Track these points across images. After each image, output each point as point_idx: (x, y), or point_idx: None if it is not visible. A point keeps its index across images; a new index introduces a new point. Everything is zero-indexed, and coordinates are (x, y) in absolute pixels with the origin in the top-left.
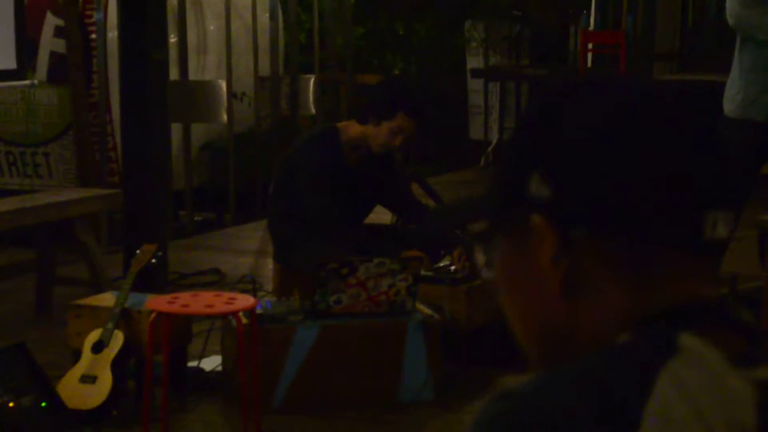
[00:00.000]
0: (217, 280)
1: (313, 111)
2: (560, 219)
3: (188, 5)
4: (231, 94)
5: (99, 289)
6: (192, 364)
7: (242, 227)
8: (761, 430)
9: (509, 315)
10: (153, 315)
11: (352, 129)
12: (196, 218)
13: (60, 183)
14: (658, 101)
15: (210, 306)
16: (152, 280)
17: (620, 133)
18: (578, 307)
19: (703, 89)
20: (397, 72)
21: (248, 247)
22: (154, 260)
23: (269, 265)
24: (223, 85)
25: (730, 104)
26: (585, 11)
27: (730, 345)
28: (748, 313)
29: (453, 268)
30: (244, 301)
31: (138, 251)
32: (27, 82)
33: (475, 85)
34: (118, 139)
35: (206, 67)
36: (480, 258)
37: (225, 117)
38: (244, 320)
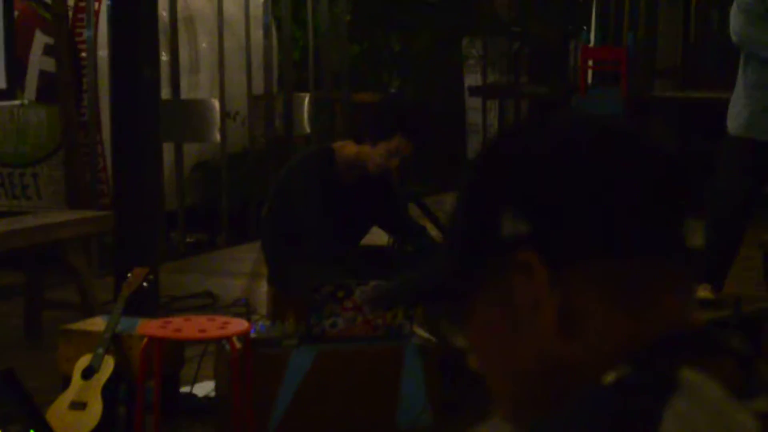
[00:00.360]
0: (209, 304)
1: (308, 130)
2: (547, 250)
3: (180, 23)
4: (224, 113)
5: (89, 314)
6: (184, 389)
7: (235, 249)
8: None
9: (492, 377)
10: (145, 340)
11: (347, 149)
12: (188, 239)
13: (49, 204)
14: (614, 124)
15: (203, 330)
16: (143, 303)
17: (589, 151)
18: (578, 343)
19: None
20: (393, 90)
21: (241, 270)
22: (145, 284)
23: (263, 287)
24: (216, 103)
25: (733, 122)
26: (585, 27)
27: (726, 375)
28: (739, 339)
29: None
30: (238, 325)
31: (129, 275)
32: (16, 102)
33: (473, 102)
34: (109, 160)
35: (199, 85)
36: (448, 329)
37: (218, 136)
38: (238, 345)
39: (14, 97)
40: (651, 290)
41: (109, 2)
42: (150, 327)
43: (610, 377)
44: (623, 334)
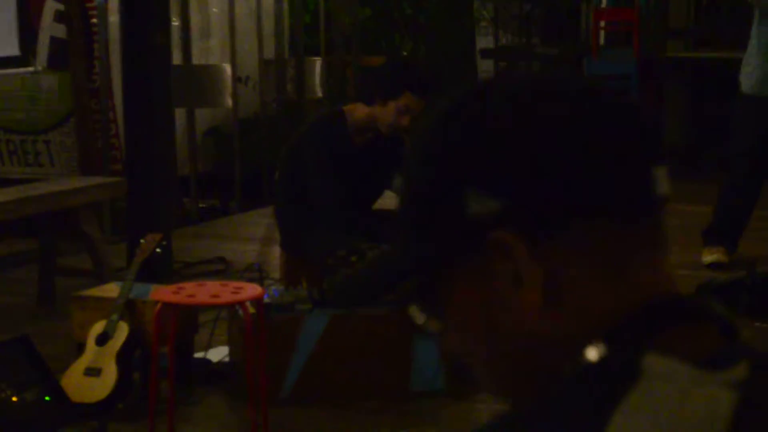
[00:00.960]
0: (222, 269)
1: (320, 94)
2: (522, 225)
3: None
4: (236, 78)
5: (102, 280)
6: (199, 355)
7: (248, 214)
8: None
9: (475, 358)
10: (158, 306)
11: (358, 111)
12: (200, 205)
13: (61, 171)
14: (569, 82)
15: (216, 296)
16: (156, 269)
17: (546, 115)
18: (562, 317)
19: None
20: (405, 53)
21: (254, 235)
22: (158, 250)
23: (276, 253)
24: (228, 68)
25: (746, 81)
26: None
27: (703, 344)
28: (722, 305)
29: None
30: (251, 290)
31: (142, 240)
32: (30, 68)
33: (485, 65)
34: (121, 126)
35: (210, 51)
36: (419, 316)
37: (230, 101)
38: (251, 310)
39: (28, 64)
40: (630, 250)
41: None
42: (163, 293)
43: (585, 356)
44: (604, 305)
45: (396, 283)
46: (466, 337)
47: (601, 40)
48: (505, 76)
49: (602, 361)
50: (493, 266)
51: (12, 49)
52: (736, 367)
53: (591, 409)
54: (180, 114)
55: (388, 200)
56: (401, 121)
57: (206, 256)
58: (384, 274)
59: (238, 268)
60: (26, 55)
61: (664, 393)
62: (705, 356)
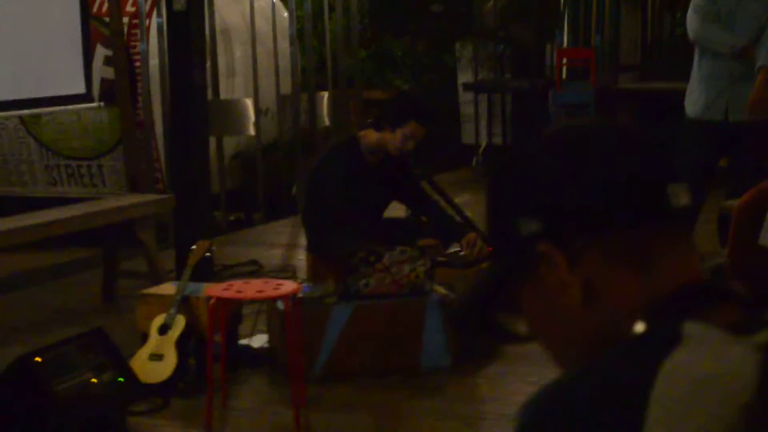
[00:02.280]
0: (256, 270)
1: (328, 123)
2: (559, 239)
3: (218, 35)
4: (258, 111)
5: (157, 281)
6: (243, 342)
7: (270, 224)
8: (763, 390)
9: (550, 349)
10: (212, 300)
11: (370, 136)
12: (229, 218)
13: (112, 191)
14: (589, 125)
15: (261, 291)
16: (202, 271)
17: (571, 146)
18: (600, 307)
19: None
20: (398, 87)
21: (277, 241)
22: (208, 254)
23: (299, 255)
24: (250, 102)
25: (692, 107)
26: (559, 32)
27: (730, 318)
28: (742, 287)
29: (463, 253)
30: (290, 286)
31: (193, 246)
32: (95, 104)
33: (465, 97)
34: (162, 153)
35: (235, 87)
36: (508, 320)
37: (253, 130)
38: (289, 303)
39: (92, 101)
40: (655, 251)
41: (158, 20)
42: (216, 289)
43: (632, 330)
44: (638, 294)
45: (492, 298)
46: (541, 330)
47: (564, 75)
48: (542, 131)
49: (648, 330)
50: (543, 274)
51: (79, 87)
52: (759, 333)
53: (640, 363)
54: (210, 141)
55: (393, 211)
56: (407, 145)
57: (240, 260)
58: (482, 289)
59: (270, 269)
60: (90, 93)
61: (701, 351)
62: (733, 325)
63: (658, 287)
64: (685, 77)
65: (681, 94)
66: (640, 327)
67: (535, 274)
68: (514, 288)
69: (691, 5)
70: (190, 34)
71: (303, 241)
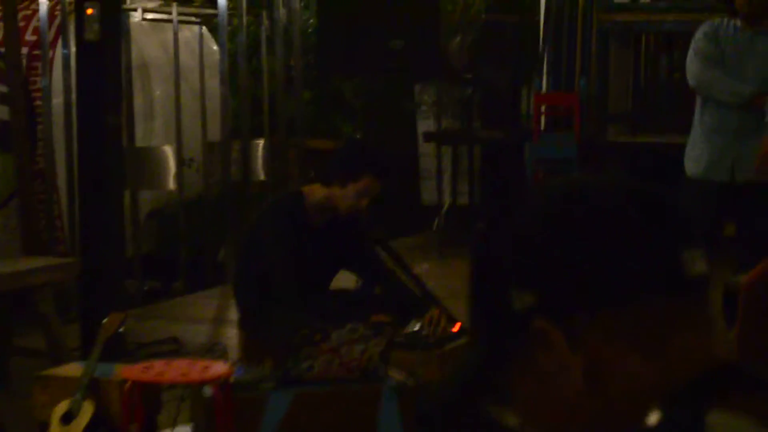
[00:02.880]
0: (177, 349)
1: (263, 176)
2: (557, 315)
3: (134, 71)
4: (180, 160)
5: (58, 360)
6: None
7: (194, 295)
8: None
9: None
10: (128, 384)
11: (316, 192)
12: (143, 287)
13: (4, 253)
14: (584, 182)
15: (185, 374)
16: (112, 349)
17: (569, 207)
18: (605, 394)
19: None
20: (347, 134)
21: (203, 315)
22: (121, 329)
23: (227, 332)
24: (171, 150)
25: (693, 165)
26: (537, 74)
27: (760, 405)
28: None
29: (424, 333)
30: (220, 368)
31: (105, 320)
32: None
33: (426, 148)
34: (65, 207)
35: (154, 132)
36: (495, 411)
37: (173, 183)
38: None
39: None
40: (669, 327)
41: (64, 51)
42: (132, 371)
43: (643, 424)
44: (651, 377)
45: (475, 381)
46: (537, 421)
47: (542, 125)
48: (534, 190)
49: (665, 420)
50: (540, 355)
51: None
52: None
53: None
54: (124, 196)
55: (339, 282)
56: (360, 203)
57: (157, 337)
58: (463, 375)
59: (190, 349)
60: None
61: None
62: (765, 415)
63: (674, 370)
64: (685, 130)
65: (680, 150)
66: (654, 417)
67: (528, 355)
68: (502, 373)
69: (692, 46)
70: (103, 68)
71: (233, 315)
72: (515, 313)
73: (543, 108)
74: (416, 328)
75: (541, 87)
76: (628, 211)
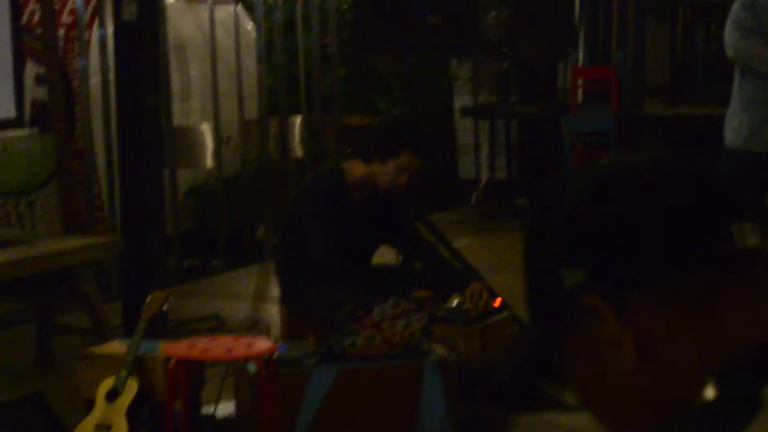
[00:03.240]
0: (218, 326)
1: (300, 153)
2: (607, 290)
3: (170, 51)
4: (218, 139)
5: (101, 338)
6: (205, 411)
7: (233, 272)
8: None
9: (603, 420)
10: (173, 361)
11: (356, 168)
12: (182, 265)
13: (45, 232)
14: (631, 159)
15: (230, 350)
16: (155, 327)
17: (620, 184)
18: (659, 371)
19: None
20: (383, 111)
21: (243, 292)
22: (165, 307)
23: (269, 309)
24: (209, 129)
25: (732, 136)
26: (573, 47)
27: None
28: None
29: (465, 307)
30: (263, 345)
31: (149, 298)
32: (27, 130)
33: (463, 123)
34: (104, 187)
35: (190, 112)
36: (553, 389)
37: (210, 162)
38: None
39: (24, 125)
40: (722, 302)
41: (101, 32)
42: (177, 348)
43: (698, 400)
44: (704, 353)
45: (532, 361)
46: (592, 398)
47: (580, 98)
48: (586, 166)
49: (720, 396)
50: (592, 331)
51: (8, 111)
52: None
53: None
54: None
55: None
56: (400, 180)
57: (198, 314)
58: (520, 355)
59: (233, 325)
60: (22, 117)
61: None
62: None
63: (728, 345)
64: (723, 101)
65: (718, 122)
66: (710, 392)
67: (581, 332)
68: (557, 351)
69: (730, 17)
70: (141, 49)
71: (274, 292)
72: (566, 290)
73: (580, 81)
74: (458, 302)
75: (577, 60)
76: (677, 186)
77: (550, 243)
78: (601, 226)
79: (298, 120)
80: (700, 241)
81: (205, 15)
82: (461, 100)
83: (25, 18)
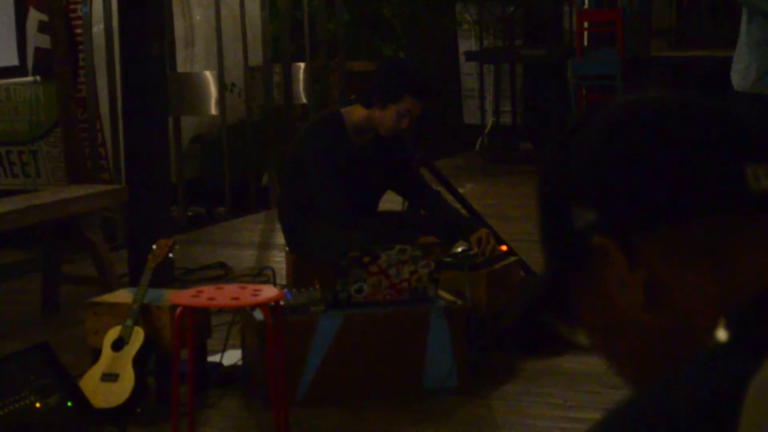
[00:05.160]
0: (224, 274)
1: (305, 100)
2: (617, 231)
3: None
4: (222, 86)
5: (107, 287)
6: (211, 358)
7: (239, 220)
8: None
9: (614, 363)
10: (179, 310)
11: (356, 113)
12: (187, 213)
13: (48, 181)
14: (643, 98)
15: (236, 298)
16: (161, 275)
17: (632, 123)
18: (668, 312)
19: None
20: (388, 56)
21: (248, 240)
22: (171, 254)
23: (275, 256)
24: (213, 76)
25: (739, 78)
26: None
27: None
28: None
29: (472, 252)
30: (270, 292)
31: (154, 246)
32: (29, 78)
33: (468, 68)
34: (108, 135)
35: (194, 59)
36: (564, 330)
37: (215, 109)
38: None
39: (26, 74)
40: (734, 246)
41: None
42: (183, 297)
43: (709, 342)
44: (715, 297)
45: (545, 301)
46: (602, 340)
47: (585, 41)
48: (602, 106)
49: (731, 339)
50: (601, 272)
51: (11, 59)
52: None
53: (725, 379)
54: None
55: (387, 203)
56: (401, 125)
57: (204, 262)
58: (532, 295)
59: (238, 273)
60: (24, 65)
61: None
62: None
63: (740, 289)
64: (730, 43)
65: (725, 64)
66: (721, 335)
67: (591, 273)
68: (568, 292)
69: None
70: None
71: (279, 239)
72: (577, 230)
73: (585, 24)
74: (464, 248)
75: (583, 3)
76: (689, 126)
77: (563, 183)
78: (611, 166)
79: (302, 66)
80: (712, 182)
81: None
82: (466, 44)
83: None
